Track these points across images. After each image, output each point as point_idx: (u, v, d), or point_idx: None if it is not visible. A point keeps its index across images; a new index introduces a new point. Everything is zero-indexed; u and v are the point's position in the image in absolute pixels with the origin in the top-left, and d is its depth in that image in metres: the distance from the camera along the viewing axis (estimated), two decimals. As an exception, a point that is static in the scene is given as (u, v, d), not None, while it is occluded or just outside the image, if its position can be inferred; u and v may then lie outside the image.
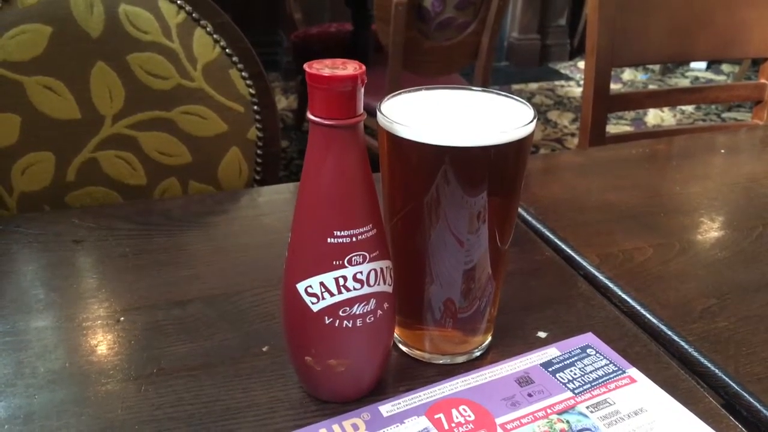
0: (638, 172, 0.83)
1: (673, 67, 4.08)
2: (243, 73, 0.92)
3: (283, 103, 3.23)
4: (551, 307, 0.56)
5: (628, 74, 3.96)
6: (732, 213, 0.76)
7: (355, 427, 0.43)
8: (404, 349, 0.51)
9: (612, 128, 3.04)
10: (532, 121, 0.44)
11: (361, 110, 0.39)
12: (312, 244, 0.40)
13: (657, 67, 3.99)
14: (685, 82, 3.88)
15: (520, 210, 0.71)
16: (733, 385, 0.48)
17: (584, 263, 0.62)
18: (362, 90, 0.38)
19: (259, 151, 0.96)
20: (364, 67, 0.38)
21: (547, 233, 0.67)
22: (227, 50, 0.91)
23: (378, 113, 0.45)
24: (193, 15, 0.89)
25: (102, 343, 0.52)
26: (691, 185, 0.78)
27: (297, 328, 0.43)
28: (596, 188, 0.79)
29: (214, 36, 0.90)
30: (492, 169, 0.44)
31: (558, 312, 0.55)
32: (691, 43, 1.30)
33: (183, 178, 0.92)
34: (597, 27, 1.20)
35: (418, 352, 0.50)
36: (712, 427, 0.44)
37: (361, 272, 0.40)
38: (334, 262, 0.40)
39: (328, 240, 0.40)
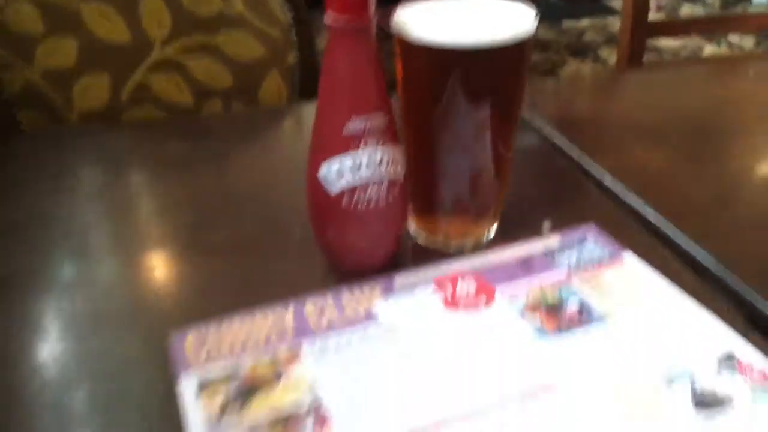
0: (667, 93, 0.85)
1: (732, 2, 3.90)
2: (281, -1, 0.97)
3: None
4: (558, 205, 0.61)
5: (686, 9, 3.81)
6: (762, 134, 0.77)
7: (370, 293, 0.50)
8: (418, 237, 0.57)
9: (661, 65, 2.96)
10: (532, 20, 0.48)
11: (372, 11, 0.44)
12: (330, 130, 0.46)
13: (717, 3, 3.82)
14: (744, 18, 3.72)
15: (537, 121, 0.75)
16: (713, 264, 0.52)
17: (596, 168, 0.66)
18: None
19: (298, 75, 1.02)
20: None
21: (563, 140, 0.71)
22: (266, -23, 0.96)
23: (392, 19, 0.49)
24: (234, -58, 0.94)
25: (148, 228, 0.60)
26: (725, 108, 0.80)
27: (318, 209, 0.49)
28: (623, 107, 0.82)
29: (254, -37, 0.95)
30: (494, 67, 0.49)
31: (564, 209, 0.60)
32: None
33: (226, 101, 0.99)
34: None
35: (431, 239, 0.56)
36: (698, 302, 0.48)
37: (373, 158, 0.46)
38: (350, 147, 0.45)
39: (345, 125, 0.45)
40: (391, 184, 0.47)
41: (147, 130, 0.80)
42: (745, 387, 0.41)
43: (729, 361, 0.43)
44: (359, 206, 0.46)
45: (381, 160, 0.46)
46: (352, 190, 0.46)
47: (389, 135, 0.46)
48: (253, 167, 0.71)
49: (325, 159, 0.46)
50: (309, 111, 0.88)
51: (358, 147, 0.45)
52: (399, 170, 0.48)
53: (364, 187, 0.46)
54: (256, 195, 0.64)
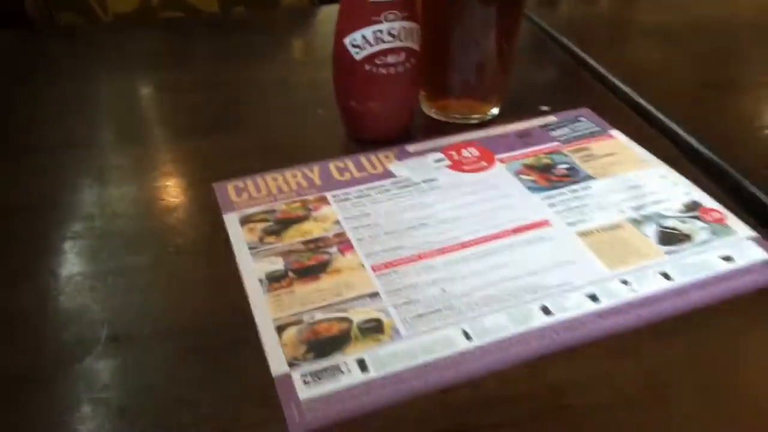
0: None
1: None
2: None
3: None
4: (557, 92, 0.67)
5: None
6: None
7: (386, 157, 0.57)
8: (430, 114, 0.63)
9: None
10: None
11: None
12: (357, 4, 0.52)
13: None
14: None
15: (544, 18, 0.81)
16: (689, 138, 0.59)
17: (594, 63, 0.72)
18: None
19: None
20: None
21: (567, 37, 0.77)
22: None
23: None
24: None
25: (179, 105, 0.67)
26: (735, 15, 0.85)
27: (344, 76, 0.55)
28: (628, 9, 0.87)
29: None
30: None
31: (562, 96, 0.67)
32: None
33: (249, 9, 1.04)
34: None
35: (440, 116, 0.63)
36: (671, 167, 0.55)
37: (394, 28, 0.52)
38: (373, 18, 0.51)
39: (369, -1, 0.51)
40: (409, 54, 0.54)
41: (177, 28, 0.85)
42: (705, 226, 0.48)
43: (693, 208, 0.50)
44: (380, 70, 0.53)
45: (400, 32, 0.52)
46: (375, 56, 0.52)
47: (408, 10, 0.52)
48: (278, 60, 0.77)
49: (352, 27, 0.52)
50: (329, 12, 0.93)
51: (380, 18, 0.51)
52: (416, 43, 0.54)
53: (385, 53, 0.52)
54: (281, 82, 0.71)
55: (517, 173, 0.54)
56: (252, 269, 0.45)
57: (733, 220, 0.49)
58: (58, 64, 0.75)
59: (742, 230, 0.48)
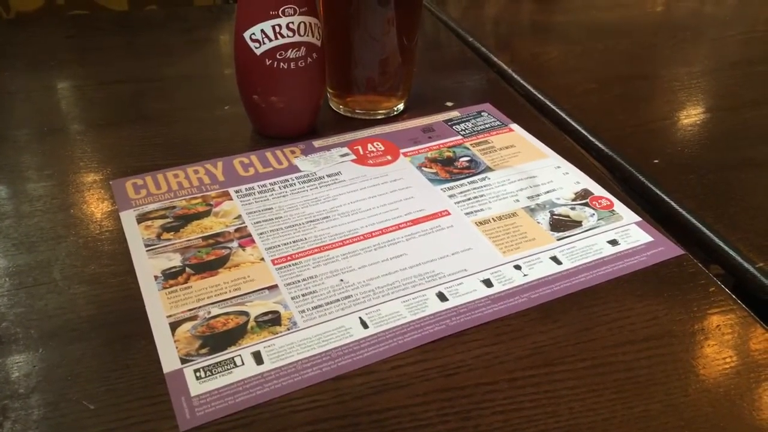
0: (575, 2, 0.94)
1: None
2: None
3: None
4: (461, 88, 0.69)
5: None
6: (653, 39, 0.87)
7: (292, 152, 0.57)
8: (338, 110, 0.64)
9: None
10: None
11: None
12: (254, -1, 0.52)
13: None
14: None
15: (451, 23, 0.83)
16: (582, 130, 0.62)
17: (497, 60, 0.74)
18: None
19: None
20: None
21: (471, 36, 0.79)
22: None
23: None
24: None
25: (85, 101, 0.65)
26: (630, 17, 0.90)
27: (245, 71, 0.55)
28: (528, 9, 0.90)
29: None
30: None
31: (465, 92, 0.68)
32: None
33: (161, 8, 1.02)
34: None
35: (346, 111, 0.63)
36: (568, 159, 0.57)
37: (292, 23, 0.52)
38: (271, 12, 0.51)
39: (266, -6, 0.51)
40: (310, 48, 0.54)
41: (83, 24, 0.83)
42: (594, 213, 0.50)
43: (583, 196, 0.52)
44: (282, 65, 0.53)
45: (300, 26, 0.52)
46: (275, 50, 0.52)
47: (307, 5, 0.53)
48: (187, 57, 0.76)
49: (250, 21, 0.52)
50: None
51: (279, 12, 0.51)
52: (316, 37, 0.54)
53: (285, 48, 0.52)
54: (189, 79, 0.70)
55: (420, 166, 0.55)
56: (147, 266, 0.44)
57: (620, 207, 0.51)
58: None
59: (628, 216, 0.50)
